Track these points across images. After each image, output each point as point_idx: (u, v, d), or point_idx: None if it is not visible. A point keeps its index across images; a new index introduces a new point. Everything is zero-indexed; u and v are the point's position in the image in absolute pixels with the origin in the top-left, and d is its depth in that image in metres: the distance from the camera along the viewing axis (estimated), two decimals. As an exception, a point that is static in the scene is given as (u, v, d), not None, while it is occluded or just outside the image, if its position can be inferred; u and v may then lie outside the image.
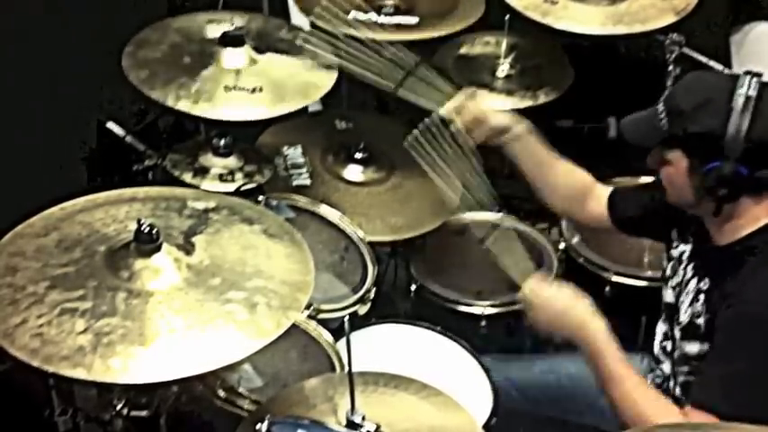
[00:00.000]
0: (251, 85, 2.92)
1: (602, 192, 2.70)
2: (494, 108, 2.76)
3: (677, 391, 2.39)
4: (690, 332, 2.34)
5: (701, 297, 2.32)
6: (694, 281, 2.36)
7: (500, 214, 3.27)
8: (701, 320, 2.31)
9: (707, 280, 2.32)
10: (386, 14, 3.22)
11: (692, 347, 2.33)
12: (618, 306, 3.00)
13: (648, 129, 2.30)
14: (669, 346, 2.43)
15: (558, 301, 2.36)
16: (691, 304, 2.34)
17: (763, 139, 2.19)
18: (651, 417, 2.17)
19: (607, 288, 3.01)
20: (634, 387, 2.23)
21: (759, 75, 2.24)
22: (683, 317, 2.36)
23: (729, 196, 2.23)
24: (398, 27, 3.19)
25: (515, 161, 2.73)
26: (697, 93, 2.25)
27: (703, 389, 2.23)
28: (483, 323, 2.92)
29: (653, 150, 2.33)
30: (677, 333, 2.38)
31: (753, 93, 2.19)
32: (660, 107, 2.27)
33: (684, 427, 1.75)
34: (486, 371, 2.68)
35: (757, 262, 2.23)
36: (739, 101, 2.19)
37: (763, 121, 2.19)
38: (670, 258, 2.47)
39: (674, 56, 3.18)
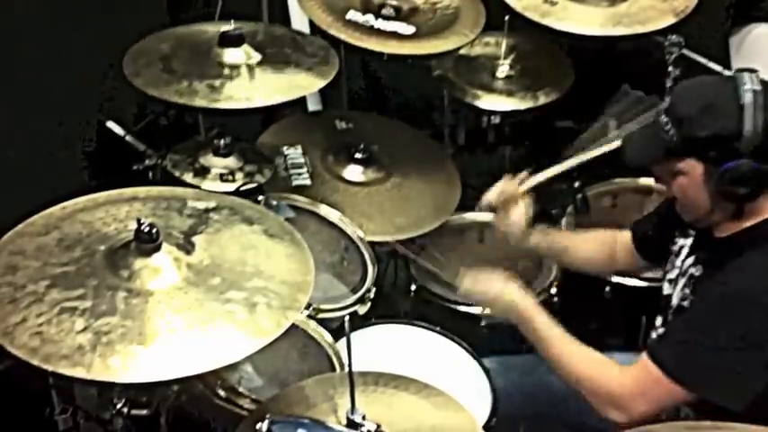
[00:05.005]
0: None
1: (625, 237, 2.71)
2: (512, 230, 2.83)
3: None
4: (679, 314, 2.36)
5: (692, 282, 2.33)
6: (691, 270, 2.36)
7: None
8: (686, 303, 2.33)
9: (700, 267, 2.34)
10: (385, 18, 3.19)
11: None
12: (618, 306, 3.01)
13: (650, 144, 2.27)
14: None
15: (494, 283, 2.56)
16: (682, 289, 2.36)
17: None
18: (585, 371, 2.32)
19: (607, 288, 3.01)
20: (565, 346, 2.35)
21: (753, 71, 2.24)
22: (674, 301, 2.39)
23: (751, 194, 2.22)
24: (393, 35, 3.17)
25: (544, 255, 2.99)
26: (700, 97, 2.22)
27: (662, 344, 2.28)
28: (483, 323, 2.91)
29: (658, 166, 2.31)
30: (669, 318, 2.41)
31: (757, 87, 2.18)
32: (663, 119, 2.23)
33: (683, 426, 1.76)
34: (486, 371, 2.68)
35: (753, 251, 2.23)
36: (748, 96, 2.17)
37: None
38: (670, 252, 2.47)
39: (673, 57, 3.17)
